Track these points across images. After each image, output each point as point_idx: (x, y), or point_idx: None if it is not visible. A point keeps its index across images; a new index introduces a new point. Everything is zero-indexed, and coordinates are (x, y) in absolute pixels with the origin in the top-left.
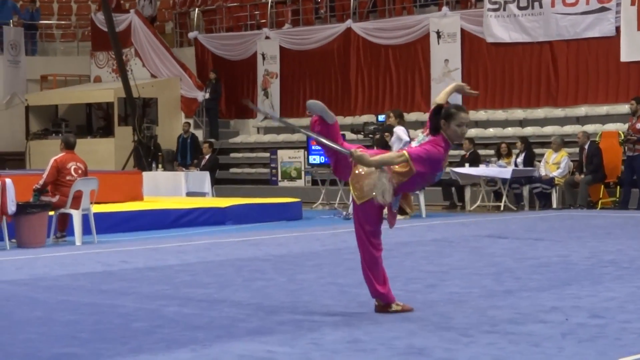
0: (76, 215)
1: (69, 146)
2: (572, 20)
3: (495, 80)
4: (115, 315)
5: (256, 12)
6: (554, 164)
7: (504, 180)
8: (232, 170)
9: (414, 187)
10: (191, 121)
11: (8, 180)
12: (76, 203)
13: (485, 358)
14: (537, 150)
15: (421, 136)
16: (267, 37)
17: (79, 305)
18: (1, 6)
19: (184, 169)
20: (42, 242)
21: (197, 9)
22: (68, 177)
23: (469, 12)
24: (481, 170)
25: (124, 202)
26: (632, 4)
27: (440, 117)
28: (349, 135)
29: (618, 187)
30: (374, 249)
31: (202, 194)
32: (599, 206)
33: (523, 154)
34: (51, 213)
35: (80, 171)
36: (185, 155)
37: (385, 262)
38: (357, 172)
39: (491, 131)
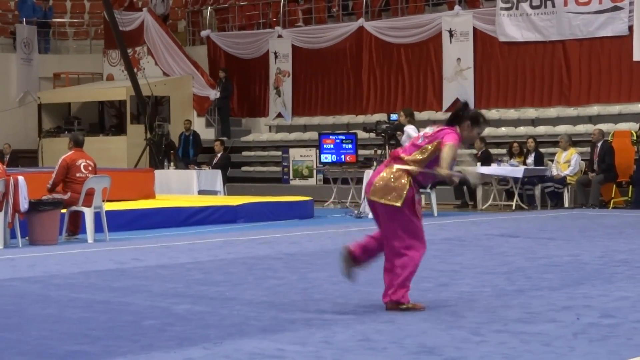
0: (88, 213)
1: (78, 144)
2: (585, 19)
3: (507, 79)
4: (127, 313)
5: (268, 11)
6: (564, 163)
7: (515, 180)
8: (244, 168)
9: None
10: (197, 118)
11: (20, 178)
12: (88, 201)
13: (496, 357)
14: (549, 150)
15: (429, 130)
16: (279, 36)
17: (91, 303)
18: (22, 3)
19: (195, 167)
20: (54, 239)
21: (209, 8)
22: (78, 174)
23: (481, 11)
24: (493, 169)
25: (136, 200)
26: None
27: (469, 117)
28: (361, 134)
29: (630, 186)
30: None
31: (214, 192)
32: (611, 205)
33: (533, 153)
34: (63, 211)
35: (90, 168)
36: (187, 152)
37: None
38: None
39: (503, 130)
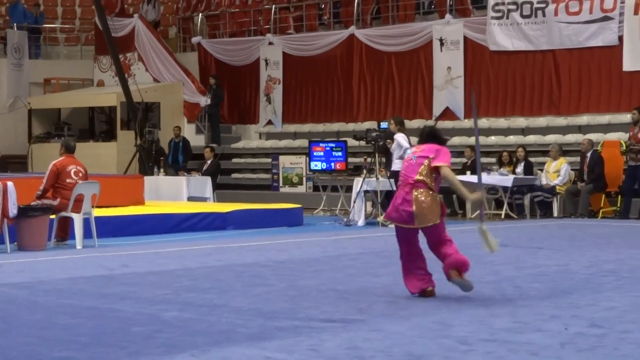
0: (77, 219)
1: (69, 150)
2: (575, 29)
3: (497, 88)
4: (115, 320)
5: (259, 18)
6: (554, 172)
7: (505, 189)
8: (234, 175)
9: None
10: (187, 125)
11: (10, 184)
12: (77, 207)
13: None
14: (538, 159)
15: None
16: (270, 43)
17: (79, 309)
18: (13, 8)
19: (185, 173)
20: (43, 245)
21: (200, 14)
22: (68, 180)
23: (472, 20)
24: (482, 178)
25: (125, 206)
26: (635, 13)
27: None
28: (351, 142)
29: (619, 196)
30: None
31: (204, 199)
32: (600, 215)
33: (523, 163)
34: (52, 216)
35: (80, 174)
36: (176, 159)
37: (385, 269)
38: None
39: (493, 139)
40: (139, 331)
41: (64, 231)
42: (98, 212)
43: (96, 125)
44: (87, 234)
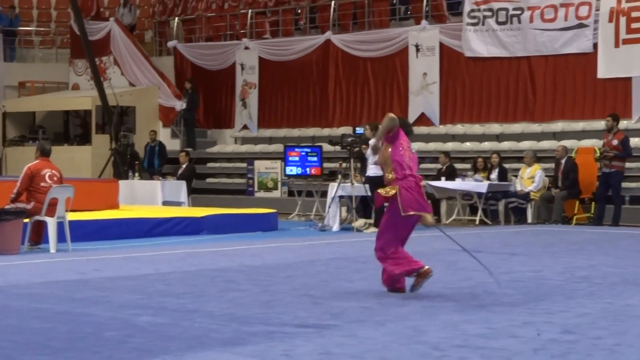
0: (51, 223)
1: (44, 153)
2: (550, 36)
3: (472, 94)
4: (88, 324)
5: (236, 22)
6: (528, 179)
7: (479, 194)
8: (209, 180)
9: None
10: (162, 129)
11: None
12: (51, 210)
13: None
14: (513, 165)
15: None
16: (246, 48)
17: (52, 314)
18: None
19: (160, 178)
20: (16, 249)
21: (176, 18)
22: (42, 184)
23: (447, 26)
24: (457, 184)
25: (99, 210)
26: (610, 20)
27: None
28: (326, 147)
29: (593, 203)
30: None
31: (178, 204)
32: (574, 222)
33: (498, 169)
34: (26, 220)
35: (55, 178)
36: (152, 163)
37: (359, 274)
38: None
39: (468, 145)
40: (112, 336)
41: (38, 235)
42: (72, 216)
43: (71, 128)
44: (60, 238)
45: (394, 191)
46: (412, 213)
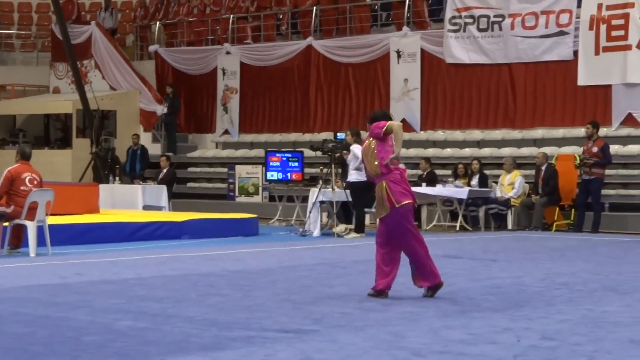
0: (31, 227)
1: (25, 157)
2: (531, 43)
3: (453, 100)
4: (68, 329)
5: (217, 27)
6: (508, 185)
7: (460, 201)
8: (190, 184)
9: None
10: (143, 133)
11: None
12: (31, 214)
13: None
14: (494, 172)
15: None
16: (227, 52)
17: (32, 318)
18: None
19: (141, 182)
20: None
21: (158, 23)
22: (22, 188)
23: (429, 33)
24: (438, 190)
25: (80, 214)
26: (590, 28)
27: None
28: (307, 152)
29: (573, 209)
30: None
31: (159, 208)
32: (554, 228)
33: (478, 175)
34: (6, 224)
35: (35, 182)
36: (134, 167)
37: (340, 280)
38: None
39: (448, 151)
40: (92, 340)
41: (18, 239)
42: (52, 220)
43: (51, 132)
44: (40, 241)
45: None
46: (406, 202)
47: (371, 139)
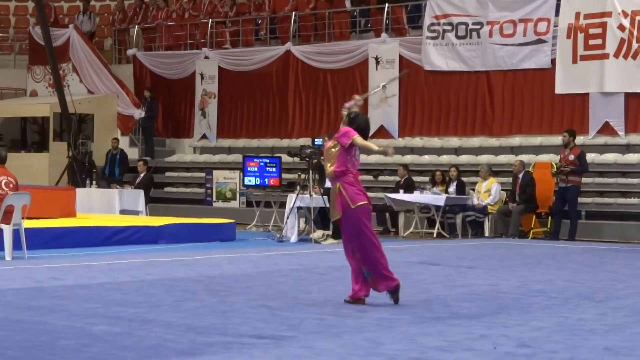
0: (7, 230)
1: (0, 160)
2: (509, 51)
3: (431, 107)
4: (43, 333)
5: (196, 32)
6: (485, 192)
7: (437, 208)
8: (167, 189)
9: None
10: (121, 137)
11: None
12: (7, 218)
13: None
14: (471, 179)
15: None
16: (206, 57)
17: (7, 322)
18: None
19: (118, 186)
20: None
21: (136, 27)
22: None
23: (407, 40)
24: (415, 196)
25: (56, 218)
26: (568, 37)
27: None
28: (285, 158)
29: (549, 217)
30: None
31: (136, 213)
32: (531, 236)
33: (456, 182)
34: None
35: (11, 185)
36: (113, 171)
37: (317, 286)
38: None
39: (426, 158)
40: (68, 345)
41: None
42: (28, 224)
43: (28, 135)
44: (16, 245)
45: None
46: (361, 203)
47: (336, 141)
